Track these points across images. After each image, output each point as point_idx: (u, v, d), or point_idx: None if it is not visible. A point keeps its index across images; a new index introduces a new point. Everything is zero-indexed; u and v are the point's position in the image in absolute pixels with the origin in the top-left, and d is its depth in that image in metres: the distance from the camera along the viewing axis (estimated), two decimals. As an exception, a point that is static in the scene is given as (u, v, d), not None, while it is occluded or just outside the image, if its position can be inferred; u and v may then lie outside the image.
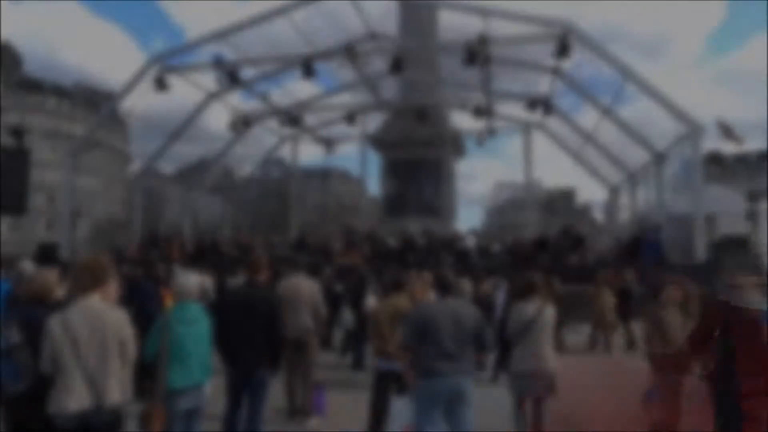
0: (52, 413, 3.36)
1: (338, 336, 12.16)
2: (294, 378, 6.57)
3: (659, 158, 20.59)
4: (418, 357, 4.10)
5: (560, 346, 10.93)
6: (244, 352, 4.77)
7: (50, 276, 3.73)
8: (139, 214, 26.28)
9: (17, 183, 16.74)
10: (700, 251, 16.50)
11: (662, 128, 19.32)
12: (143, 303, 7.20)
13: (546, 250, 19.18)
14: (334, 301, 11.38)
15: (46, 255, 18.73)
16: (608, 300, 11.74)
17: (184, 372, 3.93)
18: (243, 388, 4.90)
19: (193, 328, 3.99)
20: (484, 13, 17.55)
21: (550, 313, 5.34)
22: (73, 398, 3.35)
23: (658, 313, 4.96)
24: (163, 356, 3.93)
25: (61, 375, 3.39)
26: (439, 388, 3.97)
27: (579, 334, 13.14)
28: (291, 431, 6.05)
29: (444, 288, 4.34)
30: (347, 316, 11.22)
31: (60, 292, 3.62)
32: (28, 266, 6.49)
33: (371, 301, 8.91)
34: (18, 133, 18.41)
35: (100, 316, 3.47)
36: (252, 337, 4.78)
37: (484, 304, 9.23)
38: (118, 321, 3.53)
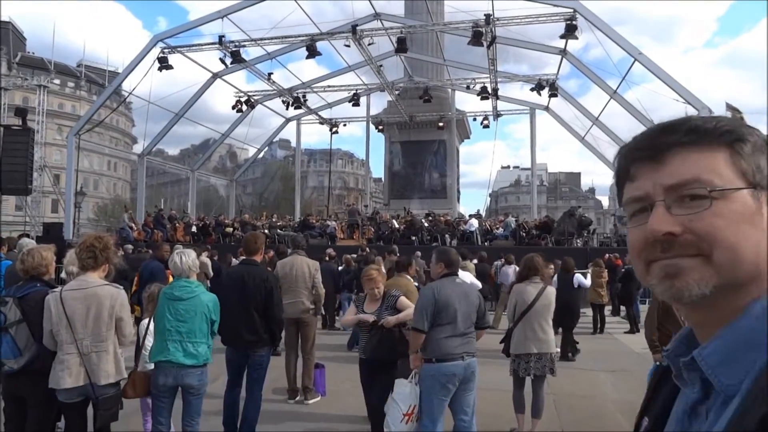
0: (52, 388, 3.42)
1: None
2: (293, 358, 6.54)
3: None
4: (428, 339, 3.99)
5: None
6: (242, 332, 4.76)
7: (46, 252, 3.70)
8: (143, 195, 26.32)
9: (21, 163, 16.72)
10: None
11: (670, 111, 19.09)
12: (151, 282, 7.21)
13: (550, 234, 19.11)
14: (336, 283, 11.38)
15: (51, 234, 18.81)
16: (601, 279, 11.96)
17: (158, 347, 3.93)
18: (241, 367, 4.90)
19: (179, 305, 3.92)
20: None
21: (551, 295, 5.31)
22: (70, 374, 3.39)
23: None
24: (147, 329, 4.10)
25: (59, 351, 3.44)
26: (454, 371, 3.92)
27: (583, 316, 13.13)
28: (290, 410, 6.06)
29: (451, 267, 4.26)
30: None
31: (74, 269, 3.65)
32: (28, 244, 6.49)
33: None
34: (22, 112, 18.35)
35: (96, 293, 3.46)
36: (249, 317, 4.76)
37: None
38: (115, 298, 3.52)
